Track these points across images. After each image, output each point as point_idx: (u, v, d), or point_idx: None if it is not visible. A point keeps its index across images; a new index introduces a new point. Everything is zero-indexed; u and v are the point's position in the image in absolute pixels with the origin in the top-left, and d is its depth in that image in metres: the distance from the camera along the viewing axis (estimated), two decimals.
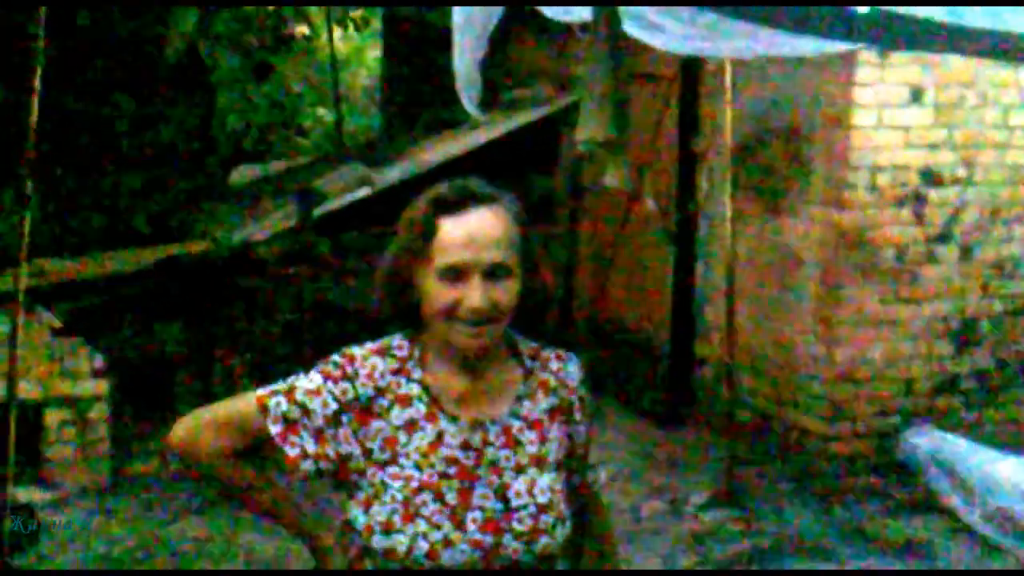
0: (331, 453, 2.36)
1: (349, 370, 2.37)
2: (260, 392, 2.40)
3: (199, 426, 2.43)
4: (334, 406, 2.35)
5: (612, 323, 8.32)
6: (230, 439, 2.41)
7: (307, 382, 2.38)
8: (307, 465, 2.36)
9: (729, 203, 6.55)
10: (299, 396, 2.36)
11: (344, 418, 2.35)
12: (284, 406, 2.36)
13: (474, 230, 2.30)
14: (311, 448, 2.35)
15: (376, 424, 2.35)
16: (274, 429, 2.36)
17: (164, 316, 7.63)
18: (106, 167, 8.28)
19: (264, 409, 2.37)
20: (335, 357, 2.40)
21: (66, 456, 6.55)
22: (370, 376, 2.37)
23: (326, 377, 2.37)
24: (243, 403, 2.41)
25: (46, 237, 7.54)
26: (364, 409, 2.35)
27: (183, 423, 2.45)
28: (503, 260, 2.31)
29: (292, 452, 2.35)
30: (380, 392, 2.36)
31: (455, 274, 2.30)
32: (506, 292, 2.32)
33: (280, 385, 2.40)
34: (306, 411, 2.35)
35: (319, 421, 2.35)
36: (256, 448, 2.40)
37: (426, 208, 2.35)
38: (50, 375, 6.50)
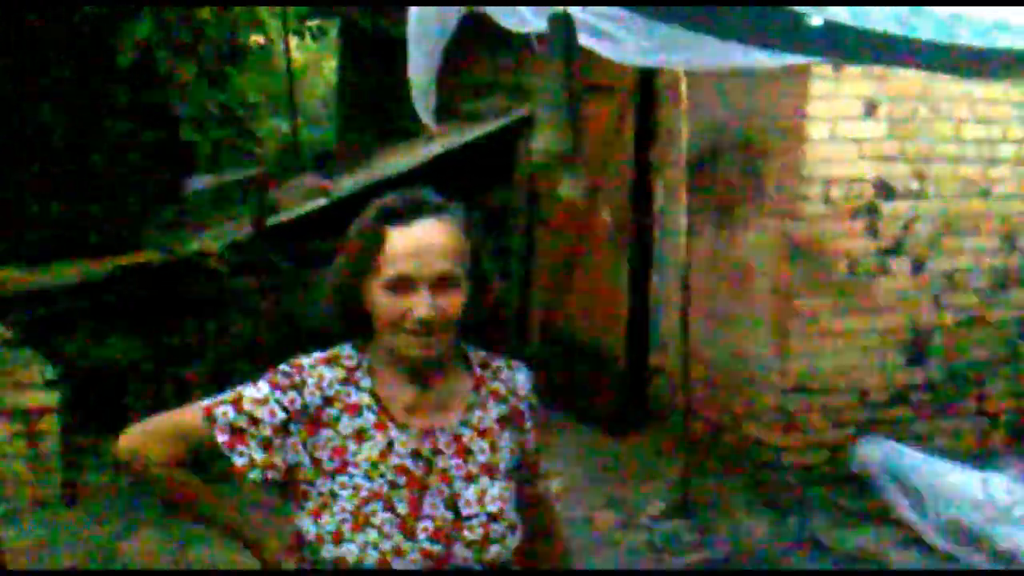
0: (279, 463, 2.35)
1: (297, 379, 2.36)
2: (206, 402, 2.39)
3: (145, 435, 2.43)
4: (282, 415, 2.34)
5: (567, 334, 8.32)
6: (175, 448, 2.40)
7: (254, 391, 2.37)
8: (255, 475, 2.35)
9: (684, 215, 6.57)
10: (246, 406, 2.36)
11: (292, 427, 2.34)
12: (231, 415, 2.35)
13: (421, 240, 2.30)
14: (259, 457, 2.35)
15: (325, 433, 2.34)
16: (221, 438, 2.35)
17: (117, 327, 7.56)
18: (57, 176, 8.21)
19: (211, 419, 2.36)
20: (283, 367, 2.39)
21: (16, 469, 6.47)
22: (318, 385, 2.36)
23: (273, 386, 2.36)
24: (189, 413, 2.40)
25: None
26: (312, 418, 2.34)
27: (129, 432, 2.44)
28: (450, 271, 2.31)
29: (240, 461, 2.34)
30: (328, 401, 2.35)
31: (402, 285, 2.30)
32: (453, 302, 2.32)
33: (227, 395, 2.39)
34: (253, 420, 2.35)
35: (267, 431, 2.34)
36: (202, 457, 2.40)
37: (373, 218, 2.35)
38: (0, 387, 6.43)
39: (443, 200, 2.38)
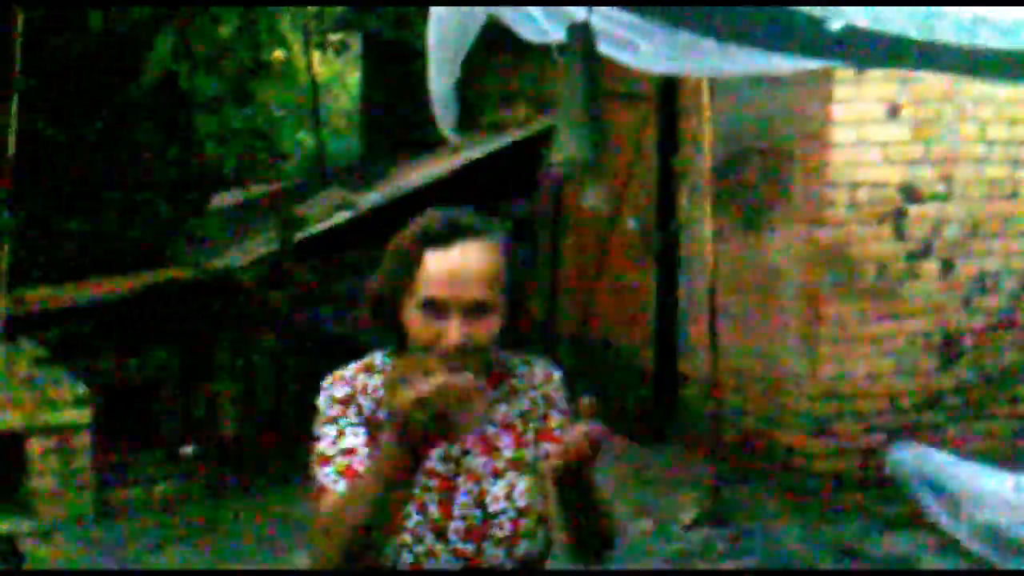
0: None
1: (344, 391, 2.36)
2: (323, 483, 2.30)
3: (326, 545, 2.27)
4: (361, 431, 2.33)
5: (596, 342, 8.31)
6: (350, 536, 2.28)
7: (327, 431, 2.34)
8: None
9: (710, 221, 6.55)
10: (337, 457, 2.31)
11: (369, 433, 2.33)
12: (340, 473, 2.30)
13: (458, 265, 2.29)
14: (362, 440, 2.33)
15: (380, 438, 2.30)
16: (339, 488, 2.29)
17: (146, 344, 7.60)
18: (86, 194, 8.26)
19: (324, 491, 2.29)
20: (323, 398, 2.37)
21: (49, 486, 6.51)
22: (364, 391, 2.37)
23: (332, 421, 2.34)
24: (327, 501, 2.29)
25: (27, 265, 7.51)
26: (372, 423, 2.34)
27: (314, 551, 2.29)
28: (484, 298, 2.30)
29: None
30: (378, 404, 2.36)
31: (436, 308, 2.29)
32: (486, 328, 2.31)
33: (315, 461, 2.33)
34: (350, 452, 2.31)
35: (363, 451, 2.30)
36: None
37: (413, 239, 2.34)
38: (32, 404, 6.46)
39: (483, 222, 2.37)
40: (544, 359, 2.56)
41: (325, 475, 2.31)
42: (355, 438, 2.33)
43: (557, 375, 2.53)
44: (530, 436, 2.45)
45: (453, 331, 2.28)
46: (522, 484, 2.39)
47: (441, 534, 2.32)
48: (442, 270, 2.29)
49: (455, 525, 2.33)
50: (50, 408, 6.51)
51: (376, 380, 2.39)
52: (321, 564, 2.25)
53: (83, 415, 6.58)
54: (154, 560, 6.03)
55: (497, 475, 2.38)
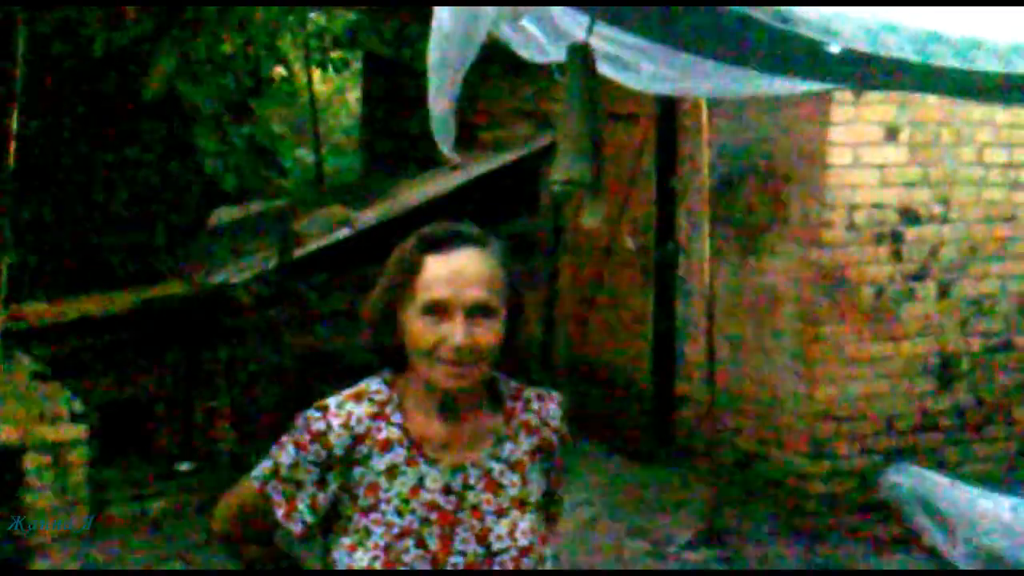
0: (326, 509, 2.38)
1: (318, 427, 2.36)
2: (256, 478, 2.43)
3: (227, 521, 2.54)
4: (316, 471, 2.36)
5: (592, 362, 8.31)
6: (256, 526, 2.48)
7: (286, 456, 2.38)
8: (306, 531, 2.40)
9: (708, 242, 6.56)
10: (284, 472, 2.38)
11: (328, 477, 2.36)
12: (280, 488, 2.39)
13: (459, 268, 2.30)
14: (311, 519, 2.38)
15: (358, 471, 2.35)
16: (279, 512, 2.39)
17: (143, 359, 7.59)
18: (82, 209, 8.26)
19: (265, 495, 2.40)
20: (301, 419, 2.40)
21: (45, 502, 6.49)
22: (345, 424, 2.35)
23: (298, 447, 2.37)
24: (247, 491, 2.46)
25: (24, 280, 7.51)
26: (344, 460, 2.35)
27: (216, 517, 2.58)
28: (487, 300, 2.31)
29: (297, 528, 2.39)
30: (359, 439, 2.35)
31: (438, 311, 2.29)
32: (489, 332, 2.31)
33: (267, 464, 2.41)
34: (298, 484, 2.37)
35: (311, 489, 2.37)
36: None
37: (412, 246, 2.36)
38: (29, 420, 6.45)
39: (483, 232, 2.39)
40: (556, 393, 2.55)
41: (271, 486, 2.40)
42: (305, 475, 2.36)
43: (562, 410, 2.54)
44: (535, 474, 2.44)
45: (457, 331, 2.28)
46: (524, 523, 2.39)
47: (440, 569, 2.31)
48: (443, 272, 2.30)
49: (454, 560, 2.32)
50: (47, 423, 6.51)
51: (366, 408, 2.38)
52: (218, 528, 2.57)
53: (79, 431, 6.57)
54: None
55: (501, 513, 2.37)
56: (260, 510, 2.42)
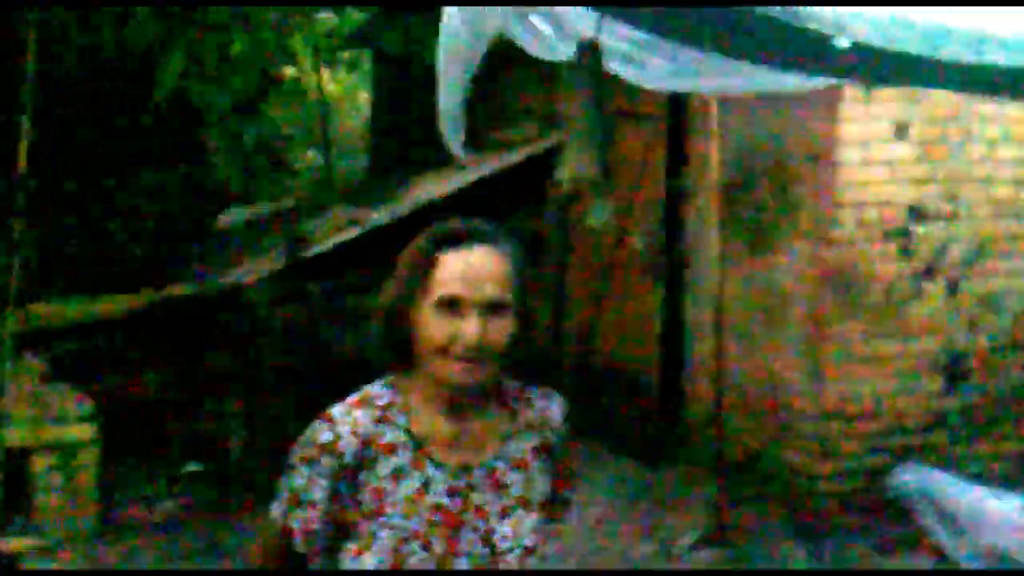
0: (338, 519, 2.38)
1: (326, 438, 2.35)
2: (276, 515, 2.40)
3: (262, 564, 2.50)
4: (328, 485, 2.35)
5: (600, 362, 8.30)
6: (288, 564, 2.44)
7: (298, 479, 2.37)
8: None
9: (716, 241, 6.55)
10: (301, 496, 2.36)
11: (340, 487, 2.35)
12: (299, 516, 2.37)
13: (474, 264, 2.31)
14: (325, 543, 2.38)
15: (363, 476, 2.34)
16: (303, 550, 2.38)
17: (153, 360, 7.60)
18: (91, 211, 8.28)
19: (288, 532, 2.38)
20: (307, 433, 2.39)
21: (53, 503, 6.50)
22: (353, 432, 2.35)
23: (308, 463, 2.36)
24: (271, 533, 2.42)
25: (34, 281, 7.52)
26: (353, 468, 2.34)
27: (251, 563, 2.58)
28: (501, 297, 2.31)
29: (318, 560, 2.39)
30: (365, 444, 2.35)
31: (452, 307, 2.29)
32: (502, 329, 2.31)
33: (283, 496, 2.39)
34: (312, 504, 2.35)
35: (323, 506, 2.35)
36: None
37: (427, 242, 2.36)
38: (37, 421, 6.46)
39: (496, 230, 2.39)
40: (560, 396, 2.55)
41: (291, 522, 2.38)
42: (319, 492, 2.34)
43: (565, 410, 2.53)
44: (538, 473, 2.44)
45: (471, 328, 2.28)
46: (528, 522, 2.39)
47: (446, 571, 2.32)
48: (458, 268, 2.30)
49: (459, 562, 2.32)
50: (55, 424, 6.51)
51: (371, 413, 2.37)
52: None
53: (88, 432, 6.58)
54: None
55: (505, 513, 2.38)
56: (289, 545, 2.40)
